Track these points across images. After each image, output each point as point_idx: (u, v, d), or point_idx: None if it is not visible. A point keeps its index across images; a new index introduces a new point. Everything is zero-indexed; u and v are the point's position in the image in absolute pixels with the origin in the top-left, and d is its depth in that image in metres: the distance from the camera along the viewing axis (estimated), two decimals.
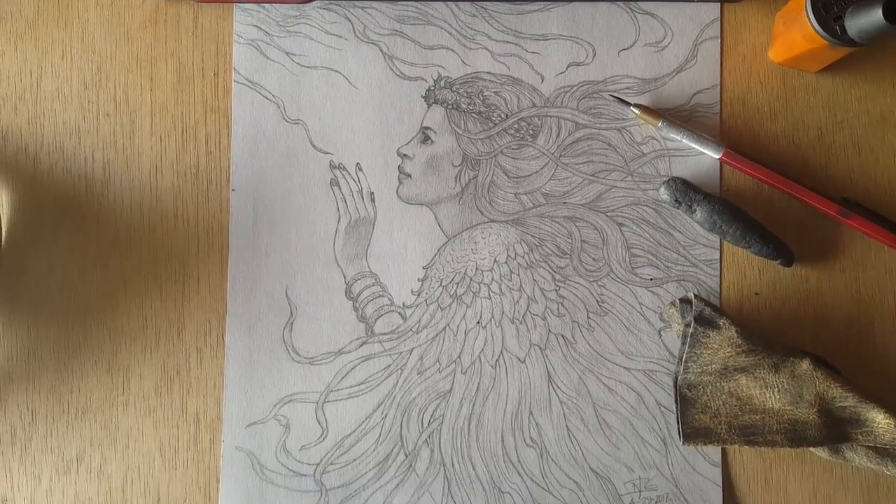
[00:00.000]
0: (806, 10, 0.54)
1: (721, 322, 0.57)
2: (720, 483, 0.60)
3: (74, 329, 0.62)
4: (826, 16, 0.54)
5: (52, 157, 0.63)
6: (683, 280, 0.61)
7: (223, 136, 0.63)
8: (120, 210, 0.62)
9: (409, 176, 0.63)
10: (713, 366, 0.58)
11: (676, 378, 0.59)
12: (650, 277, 0.61)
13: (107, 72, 0.63)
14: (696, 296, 0.59)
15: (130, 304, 0.62)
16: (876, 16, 0.51)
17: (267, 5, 0.62)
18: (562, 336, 0.61)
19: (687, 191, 0.60)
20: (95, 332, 0.62)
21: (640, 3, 0.62)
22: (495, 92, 0.62)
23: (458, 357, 0.62)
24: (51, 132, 0.63)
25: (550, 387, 0.61)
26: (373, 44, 0.63)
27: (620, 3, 0.62)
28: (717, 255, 0.61)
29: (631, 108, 0.61)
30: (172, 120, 0.63)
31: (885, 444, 0.57)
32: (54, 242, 0.62)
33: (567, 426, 0.61)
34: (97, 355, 0.62)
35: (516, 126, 0.62)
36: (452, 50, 0.63)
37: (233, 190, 0.63)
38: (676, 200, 0.60)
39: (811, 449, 0.59)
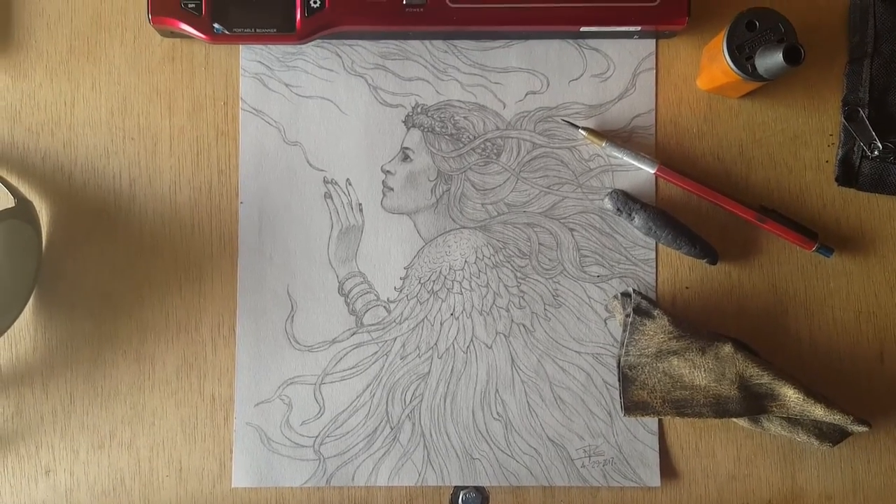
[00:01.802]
0: (723, 51, 0.62)
1: (655, 312, 0.65)
2: (657, 449, 0.67)
3: (106, 323, 0.68)
4: (739, 56, 0.62)
5: (85, 175, 0.68)
6: (625, 277, 0.68)
7: (232, 156, 0.68)
8: (144, 220, 0.68)
9: (392, 189, 0.68)
10: (649, 349, 0.65)
11: (619, 360, 0.66)
12: (597, 275, 0.68)
13: (131, 101, 0.68)
14: (634, 290, 0.66)
15: (154, 301, 0.68)
16: (778, 58, 0.58)
17: (270, 44, 0.68)
18: (523, 325, 0.68)
19: (627, 201, 0.67)
20: (124, 325, 0.68)
21: (587, 40, 0.68)
22: (464, 117, 0.68)
23: (435, 344, 0.68)
24: (83, 154, 0.68)
25: (514, 368, 0.68)
26: (359, 76, 0.68)
27: (570, 40, 0.68)
28: (653, 255, 0.68)
29: (579, 130, 0.68)
30: (188, 143, 0.68)
31: (796, 415, 0.64)
32: (87, 249, 0.68)
33: (528, 402, 0.67)
34: (126, 345, 0.68)
35: (482, 146, 0.68)
36: (427, 81, 0.68)
37: (241, 203, 0.68)
38: (618, 209, 0.67)
39: (734, 419, 0.66)
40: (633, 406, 0.66)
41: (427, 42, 0.69)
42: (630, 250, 0.68)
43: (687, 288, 0.68)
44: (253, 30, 0.65)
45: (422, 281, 0.68)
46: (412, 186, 0.69)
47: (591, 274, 0.68)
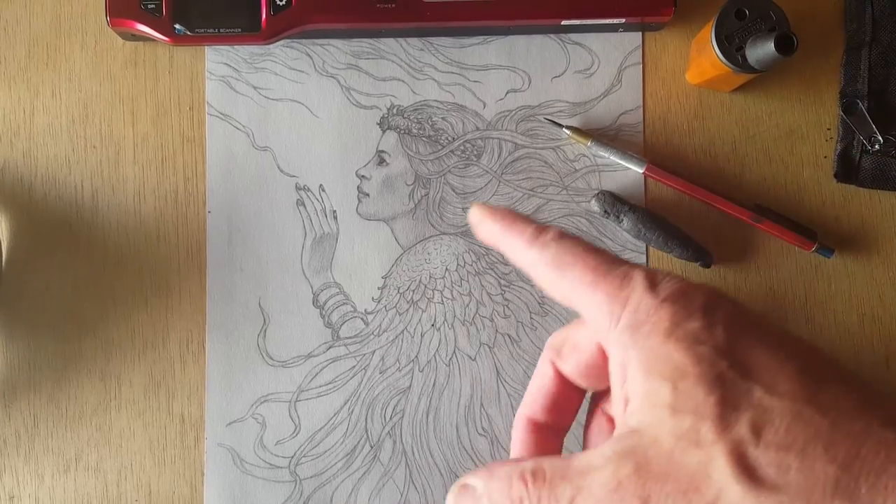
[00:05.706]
0: (711, 42, 0.59)
1: None
2: None
3: (69, 341, 0.65)
4: (729, 47, 0.59)
5: (46, 186, 0.66)
6: None
7: (199, 163, 0.66)
8: (108, 232, 0.66)
9: (368, 195, 0.66)
10: None
11: None
12: None
13: (92, 108, 0.66)
14: None
15: (119, 317, 0.65)
16: (769, 48, 0.55)
17: (235, 45, 0.66)
18: (508, 335, 0.65)
19: (615, 202, 0.64)
20: (88, 343, 0.65)
21: (569, 35, 0.66)
22: (442, 118, 0.66)
23: (416, 357, 0.65)
24: (44, 164, 0.66)
25: (499, 381, 0.65)
26: (331, 77, 0.66)
27: (552, 35, 0.66)
28: (643, 259, 0.65)
29: (563, 129, 0.65)
30: (153, 150, 0.66)
31: None
32: (49, 263, 0.65)
33: (514, 416, 0.66)
34: (91, 364, 0.65)
35: (462, 147, 0.66)
36: (403, 81, 0.66)
37: (209, 212, 0.66)
38: (606, 211, 0.65)
39: None
40: None
41: (401, 40, 0.66)
42: (619, 254, 0.64)
43: None
44: (217, 30, 0.62)
45: (401, 290, 0.66)
46: (389, 191, 0.66)
47: None
